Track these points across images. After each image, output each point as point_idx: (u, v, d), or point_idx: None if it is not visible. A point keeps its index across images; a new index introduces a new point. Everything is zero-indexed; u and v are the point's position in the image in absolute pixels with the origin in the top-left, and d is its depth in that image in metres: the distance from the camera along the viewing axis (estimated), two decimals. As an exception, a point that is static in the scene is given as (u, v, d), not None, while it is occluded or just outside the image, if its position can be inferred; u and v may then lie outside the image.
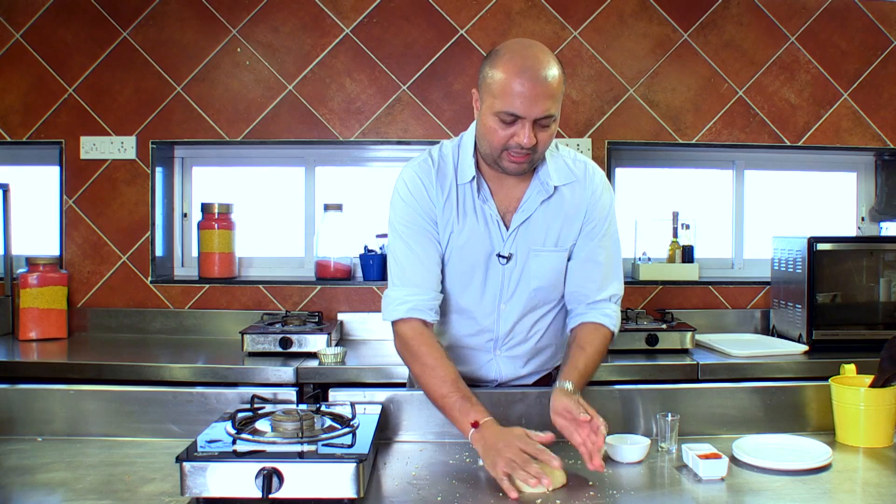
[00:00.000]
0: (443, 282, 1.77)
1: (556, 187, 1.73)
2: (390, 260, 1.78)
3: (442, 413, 1.64)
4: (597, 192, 1.79)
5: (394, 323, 1.75)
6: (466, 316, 1.82)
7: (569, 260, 1.81)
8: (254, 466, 1.30)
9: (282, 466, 1.30)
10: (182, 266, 3.50)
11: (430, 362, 1.65)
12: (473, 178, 1.72)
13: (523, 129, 1.58)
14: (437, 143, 1.87)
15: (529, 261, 1.76)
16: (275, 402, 1.72)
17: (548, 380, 1.92)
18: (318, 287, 3.28)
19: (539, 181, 1.74)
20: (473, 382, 1.83)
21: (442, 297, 1.77)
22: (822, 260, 2.89)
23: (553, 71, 1.58)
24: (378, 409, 1.68)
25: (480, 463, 1.52)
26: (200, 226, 3.33)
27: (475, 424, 1.54)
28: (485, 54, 3.19)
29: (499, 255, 1.75)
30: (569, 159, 1.79)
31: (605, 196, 1.80)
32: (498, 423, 1.54)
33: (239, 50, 3.25)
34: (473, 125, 1.77)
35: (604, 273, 1.80)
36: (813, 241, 2.88)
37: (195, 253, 3.41)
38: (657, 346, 2.81)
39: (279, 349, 2.73)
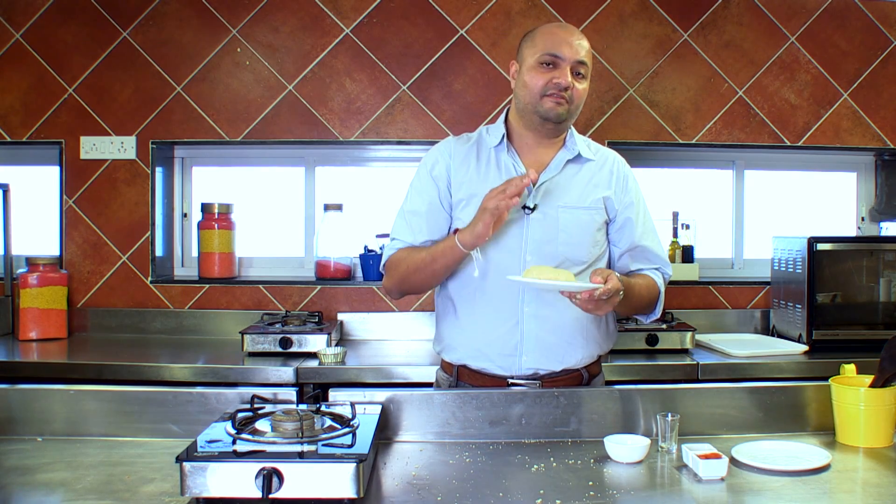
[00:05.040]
0: None
1: (580, 156, 1.91)
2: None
3: (436, 268, 1.82)
4: (624, 168, 1.98)
5: (383, 275, 1.97)
6: (492, 271, 1.83)
7: (612, 245, 1.97)
8: (254, 466, 1.29)
9: (282, 466, 1.30)
10: (182, 266, 3.50)
11: (407, 253, 1.89)
12: (503, 137, 1.90)
13: (563, 71, 1.80)
14: (437, 143, 2.00)
15: (559, 216, 1.86)
16: (275, 402, 1.72)
17: (579, 380, 1.90)
18: (318, 287, 3.28)
19: (566, 148, 1.92)
20: (498, 361, 1.86)
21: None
22: (822, 260, 2.89)
23: (583, 35, 1.86)
24: (378, 409, 1.68)
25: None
26: (200, 226, 3.33)
27: (455, 231, 1.79)
28: (485, 54, 3.23)
29: (524, 207, 1.84)
30: (599, 147, 2.01)
31: (631, 175, 1.99)
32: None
33: (239, 50, 3.25)
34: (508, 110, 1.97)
35: (649, 257, 1.97)
36: (813, 241, 2.88)
37: (195, 253, 3.42)
38: (657, 346, 2.81)
39: (279, 349, 2.73)
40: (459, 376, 1.92)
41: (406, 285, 1.93)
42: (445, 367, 1.98)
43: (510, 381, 1.87)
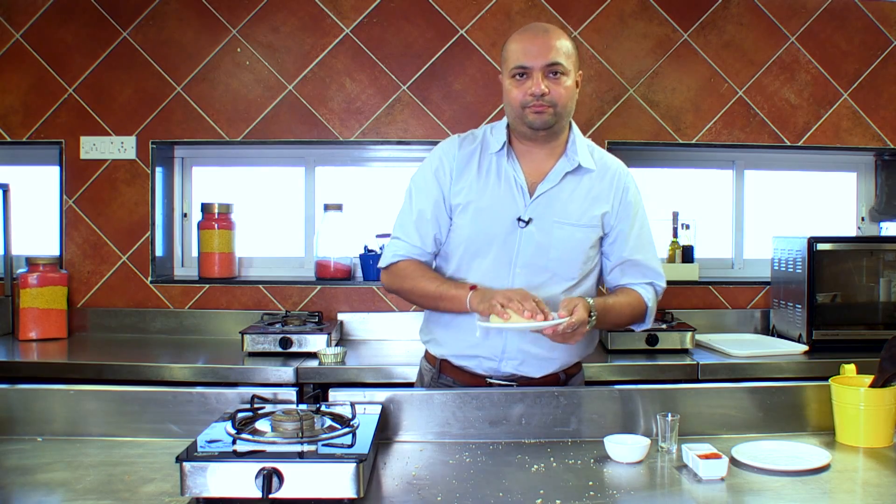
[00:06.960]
0: (461, 246, 1.88)
1: (581, 167, 1.87)
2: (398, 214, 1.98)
3: (439, 305, 1.83)
4: (625, 179, 1.94)
5: (383, 269, 1.96)
6: (482, 281, 1.83)
7: (605, 257, 1.94)
8: (254, 466, 1.30)
9: (282, 466, 1.30)
10: (182, 266, 3.50)
11: (418, 273, 1.88)
12: (504, 144, 1.88)
13: (534, 80, 1.77)
14: (437, 143, 1.99)
15: (553, 231, 1.85)
16: (275, 402, 1.72)
17: (556, 380, 1.91)
18: (318, 287, 3.28)
19: (567, 157, 1.89)
20: (480, 363, 1.88)
21: (432, 253, 1.94)
22: (822, 260, 2.89)
23: (556, 31, 1.81)
24: (378, 409, 1.68)
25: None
26: (200, 226, 3.33)
27: (472, 287, 1.76)
28: (485, 54, 3.23)
29: (518, 219, 1.84)
30: (602, 153, 1.96)
31: (631, 186, 1.95)
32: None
33: (239, 50, 3.25)
34: None
35: (642, 271, 1.93)
36: (813, 241, 2.88)
37: (195, 253, 3.41)
38: (657, 346, 2.81)
39: (279, 349, 2.73)
40: (442, 369, 1.95)
41: (405, 296, 1.98)
42: (429, 357, 2.01)
43: (489, 380, 1.90)
